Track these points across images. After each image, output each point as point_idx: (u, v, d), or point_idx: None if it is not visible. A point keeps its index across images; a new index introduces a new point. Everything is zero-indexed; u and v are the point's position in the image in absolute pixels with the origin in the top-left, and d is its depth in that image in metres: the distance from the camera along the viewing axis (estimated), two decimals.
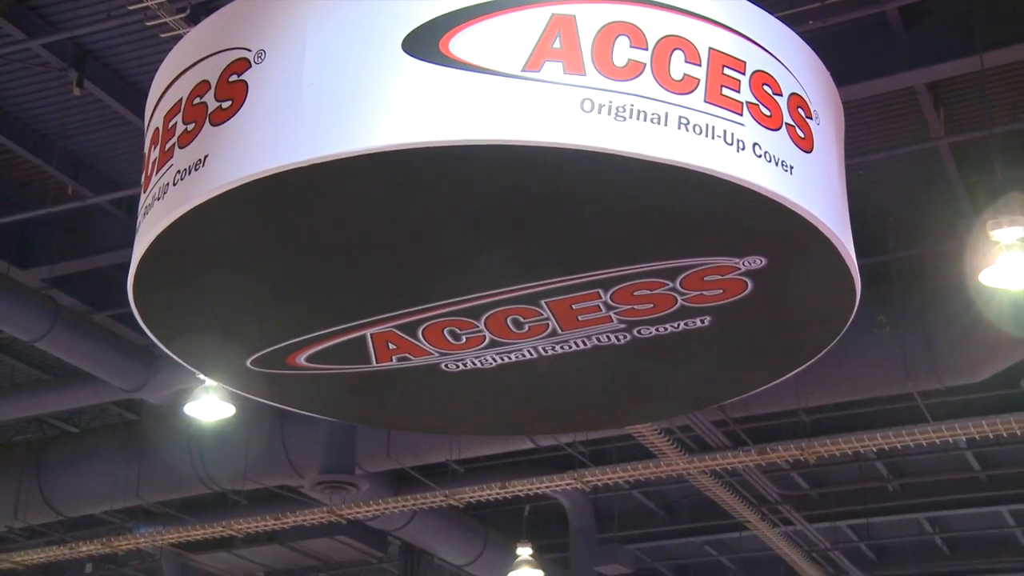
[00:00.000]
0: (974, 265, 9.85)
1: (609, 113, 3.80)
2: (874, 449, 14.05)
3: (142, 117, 4.78)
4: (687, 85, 3.94)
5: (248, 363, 5.33)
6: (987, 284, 9.78)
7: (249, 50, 4.06)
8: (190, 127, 4.19)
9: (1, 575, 18.23)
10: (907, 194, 10.92)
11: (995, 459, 16.76)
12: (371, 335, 5.09)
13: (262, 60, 4.02)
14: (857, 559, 19.16)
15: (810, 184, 4.21)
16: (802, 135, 4.25)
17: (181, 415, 12.97)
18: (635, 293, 4.72)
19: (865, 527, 18.54)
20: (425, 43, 3.83)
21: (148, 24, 7.99)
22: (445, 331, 5.03)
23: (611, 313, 4.87)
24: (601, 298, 4.76)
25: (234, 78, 4.08)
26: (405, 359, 5.27)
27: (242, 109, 4.03)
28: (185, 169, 4.16)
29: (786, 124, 4.19)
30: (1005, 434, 13.04)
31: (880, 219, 10.92)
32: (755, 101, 4.10)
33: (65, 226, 11.79)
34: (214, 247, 4.52)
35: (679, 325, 4.95)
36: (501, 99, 3.77)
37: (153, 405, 13.48)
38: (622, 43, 3.86)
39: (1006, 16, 9.28)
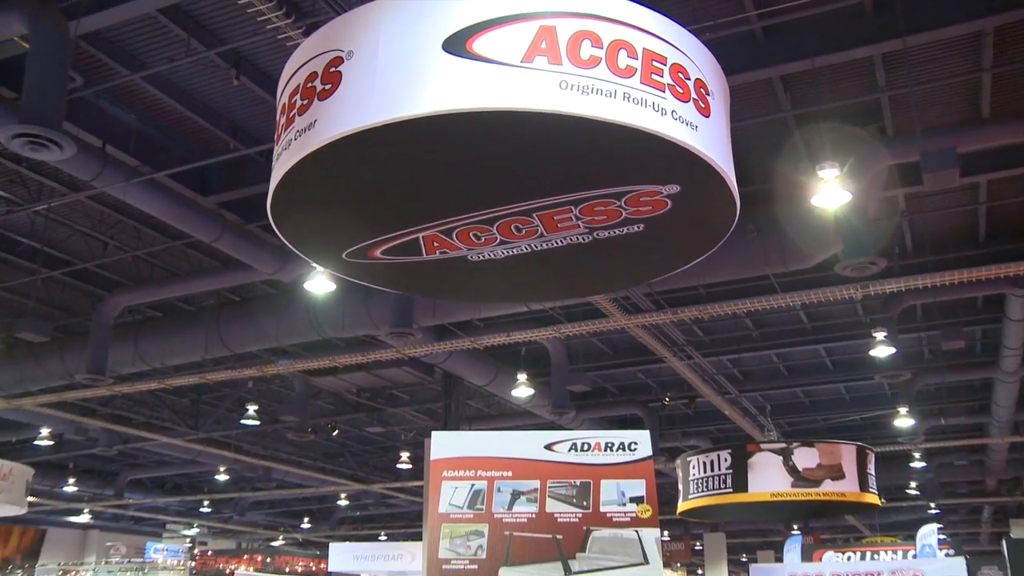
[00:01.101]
0: (810, 192, 9.94)
1: (577, 90, 3.91)
2: (744, 311, 14.21)
3: (276, 96, 4.84)
4: (629, 72, 4.04)
5: (344, 255, 5.39)
6: (816, 204, 9.88)
7: (342, 51, 4.16)
8: (305, 102, 4.30)
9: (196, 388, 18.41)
10: (768, 146, 10.92)
11: (817, 315, 16.87)
12: (422, 237, 5.16)
13: (351, 57, 4.12)
14: (732, 380, 19.29)
15: (708, 138, 4.30)
16: (703, 105, 4.33)
17: (302, 289, 13.13)
18: (595, 208, 4.79)
19: (737, 360, 18.68)
20: (457, 44, 3.93)
21: (279, 37, 8.05)
22: (471, 234, 5.10)
23: (579, 222, 4.94)
24: (572, 212, 4.83)
25: (333, 69, 4.20)
26: (444, 253, 5.32)
27: (338, 90, 4.15)
28: (302, 129, 4.27)
29: (693, 98, 4.27)
30: (823, 300, 13.24)
31: (751, 162, 10.93)
32: (673, 83, 4.19)
33: (228, 169, 11.81)
34: (320, 180, 4.60)
35: (623, 230, 5.02)
36: (506, 81, 3.90)
37: (285, 282, 13.54)
38: (586, 44, 3.97)
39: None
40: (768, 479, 14.22)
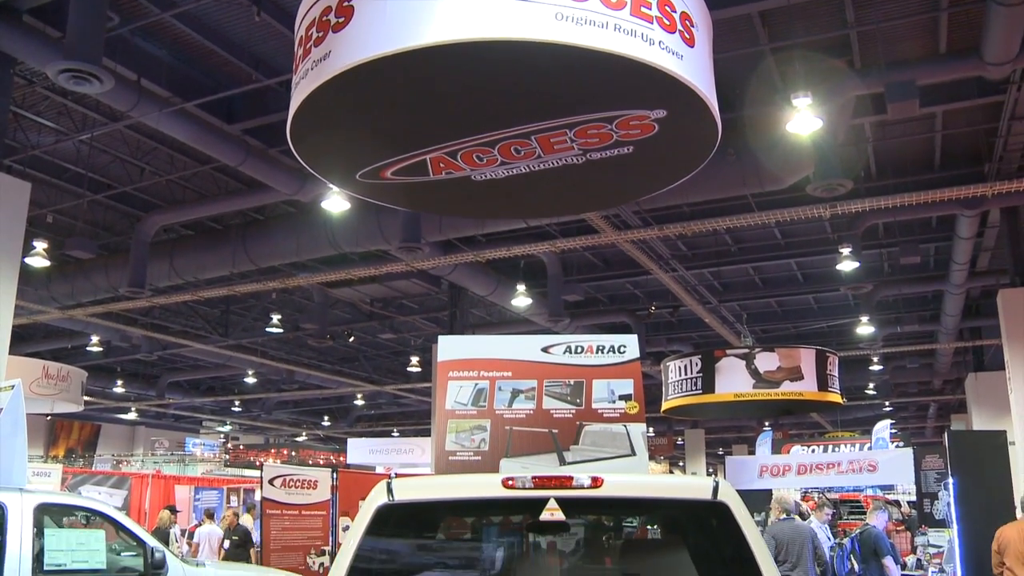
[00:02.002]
0: (784, 119, 9.83)
1: (572, 21, 3.85)
2: (723, 227, 14.17)
3: (294, 30, 4.73)
4: (620, 5, 3.98)
5: (357, 176, 5.37)
6: (790, 130, 9.77)
7: None
8: (320, 34, 4.23)
9: (226, 299, 18.49)
10: (747, 77, 10.76)
11: (789, 232, 16.84)
12: (429, 158, 5.12)
13: None
14: (712, 290, 19.34)
15: (693, 66, 4.23)
16: (688, 36, 4.25)
17: (320, 208, 13.06)
18: (588, 132, 4.75)
19: (717, 272, 18.70)
20: None
21: None
22: (474, 155, 5.06)
23: (573, 144, 4.90)
24: (567, 135, 4.79)
25: (346, 4, 4.17)
26: (449, 173, 5.29)
27: (350, 23, 4.09)
28: (318, 59, 4.20)
29: (679, 30, 4.20)
30: (795, 218, 13.19)
31: (731, 91, 10.79)
32: (660, 15, 4.12)
33: (251, 98, 11.64)
34: (335, 106, 4.54)
35: (614, 151, 4.98)
36: (506, 12, 3.86)
37: (304, 202, 13.47)
38: None
39: None
40: (733, 381, 14.38)
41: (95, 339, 22.84)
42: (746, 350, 14.68)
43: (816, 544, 9.49)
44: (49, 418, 32.68)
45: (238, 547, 14.04)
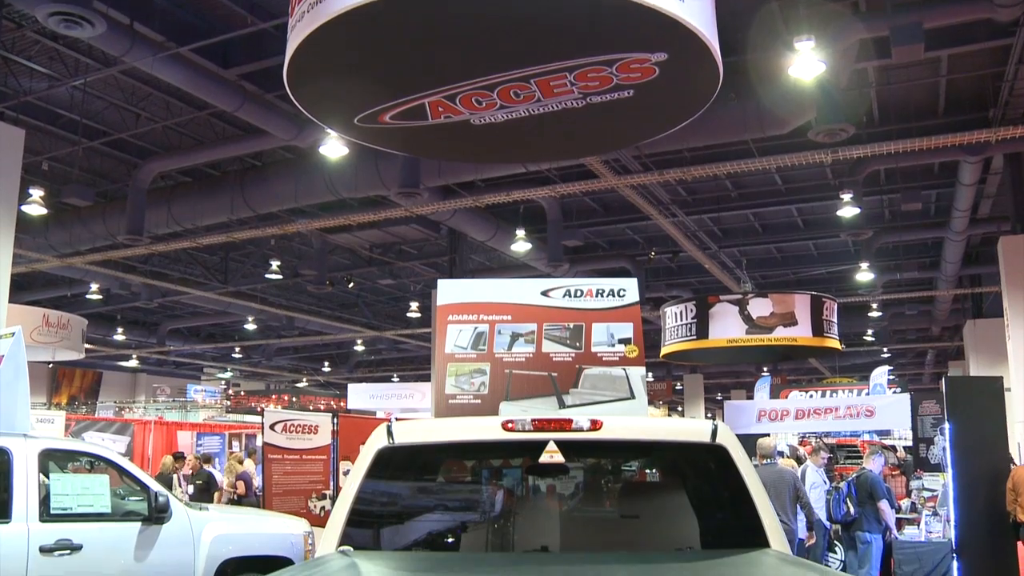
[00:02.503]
0: (787, 63, 9.72)
1: None
2: (724, 173, 14.09)
3: None
4: None
5: (355, 120, 5.32)
6: (792, 74, 9.68)
7: None
8: None
9: (225, 246, 18.44)
10: (750, 20, 10.60)
11: (790, 178, 16.75)
12: (427, 102, 5.07)
13: None
14: (711, 236, 19.32)
15: (695, 8, 4.16)
16: None
17: (318, 154, 12.97)
18: (588, 75, 4.69)
19: (717, 218, 18.64)
20: None
21: None
22: (473, 99, 5.00)
23: (573, 88, 4.84)
24: (567, 78, 4.73)
25: None
26: (448, 117, 5.24)
27: None
28: (314, 2, 4.13)
29: None
30: (796, 164, 13.12)
31: (733, 34, 10.66)
32: None
33: (247, 43, 11.50)
34: (333, 48, 4.48)
35: (614, 95, 4.93)
36: None
37: (302, 148, 13.39)
38: None
39: None
40: (726, 327, 14.42)
41: (94, 287, 22.87)
42: (739, 296, 14.70)
43: (798, 488, 9.62)
44: (51, 366, 32.87)
45: (202, 492, 14.14)
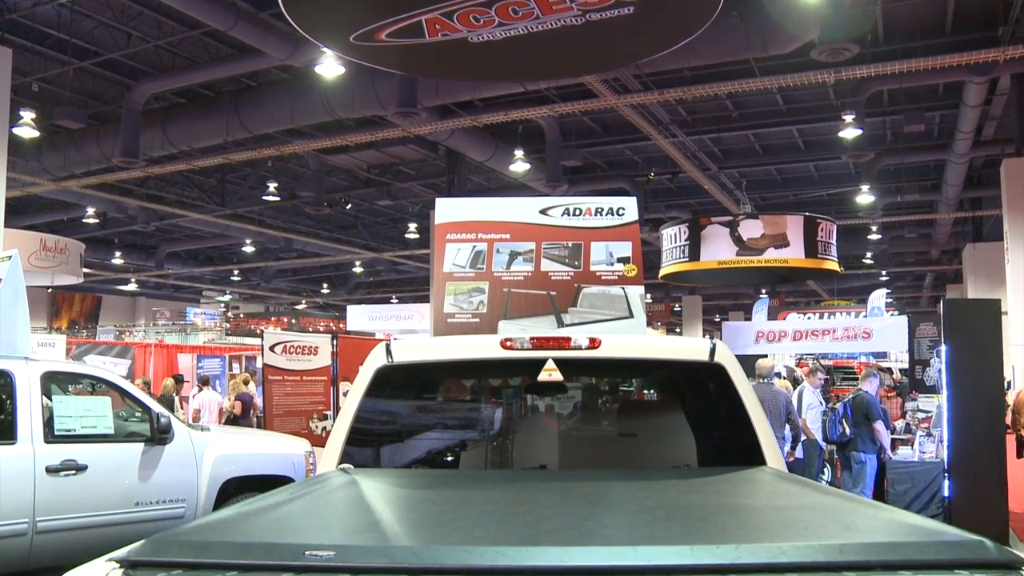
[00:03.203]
0: None
1: None
2: (725, 92, 13.92)
3: None
4: None
5: (351, 39, 5.24)
6: None
7: None
8: None
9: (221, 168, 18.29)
10: None
11: (792, 98, 16.54)
12: (424, 19, 5.00)
13: None
14: (711, 157, 19.16)
15: None
16: None
17: (314, 73, 12.79)
18: None
19: (717, 138, 18.47)
20: None
21: None
22: (471, 16, 4.93)
23: (572, 4, 4.77)
24: None
25: None
26: (446, 35, 5.17)
27: None
28: None
29: None
30: (798, 84, 12.94)
31: None
32: None
33: None
34: None
35: (614, 12, 4.85)
36: None
37: (298, 67, 13.19)
38: None
39: None
40: (716, 249, 14.45)
41: (91, 211, 22.79)
42: (730, 218, 14.67)
43: (790, 409, 9.92)
44: (50, 291, 32.97)
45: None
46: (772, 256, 14.25)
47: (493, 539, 1.94)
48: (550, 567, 1.68)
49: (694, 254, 14.55)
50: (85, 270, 22.70)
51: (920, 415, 12.23)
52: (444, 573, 1.67)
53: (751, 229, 14.31)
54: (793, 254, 14.28)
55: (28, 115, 13.25)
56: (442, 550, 1.79)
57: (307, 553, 1.73)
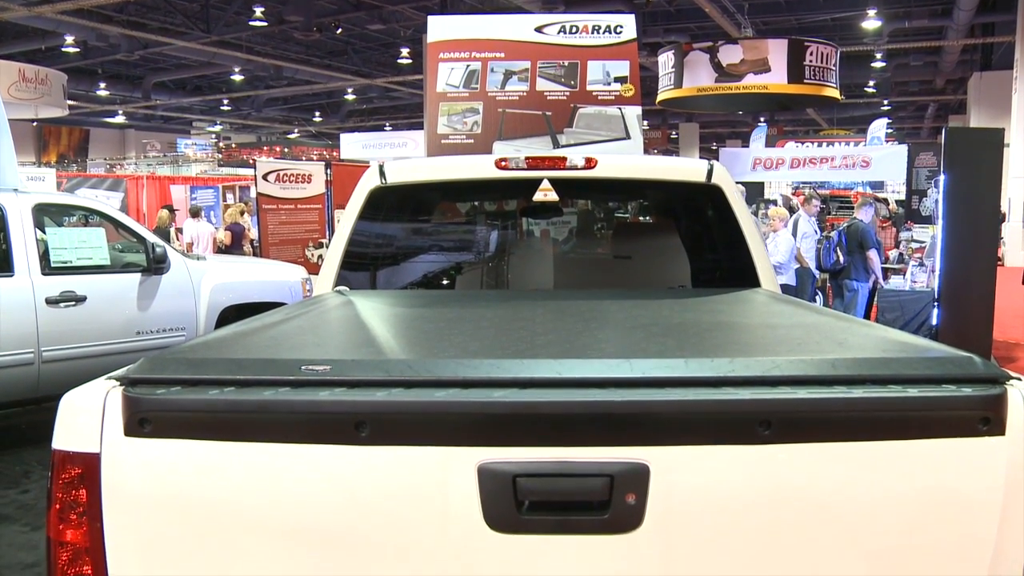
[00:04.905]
0: None
1: None
2: None
3: None
4: None
5: None
6: None
7: None
8: None
9: None
10: None
11: None
12: None
13: None
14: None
15: None
16: None
17: None
18: None
19: None
20: None
21: None
22: None
23: None
24: None
25: None
26: None
27: None
28: None
29: None
30: None
31: None
32: None
33: None
34: None
35: None
36: None
37: None
38: None
39: None
40: (697, 75, 14.21)
41: (69, 39, 22.04)
42: (710, 43, 14.33)
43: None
44: (35, 124, 32.44)
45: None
46: (751, 82, 13.96)
47: (489, 353, 1.97)
48: (545, 379, 1.70)
49: (678, 81, 14.31)
50: (70, 102, 22.21)
51: (914, 245, 12.31)
52: (439, 386, 1.70)
53: (730, 55, 13.99)
54: (774, 79, 13.97)
55: None
56: (438, 363, 1.81)
57: (303, 368, 1.75)
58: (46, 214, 7.15)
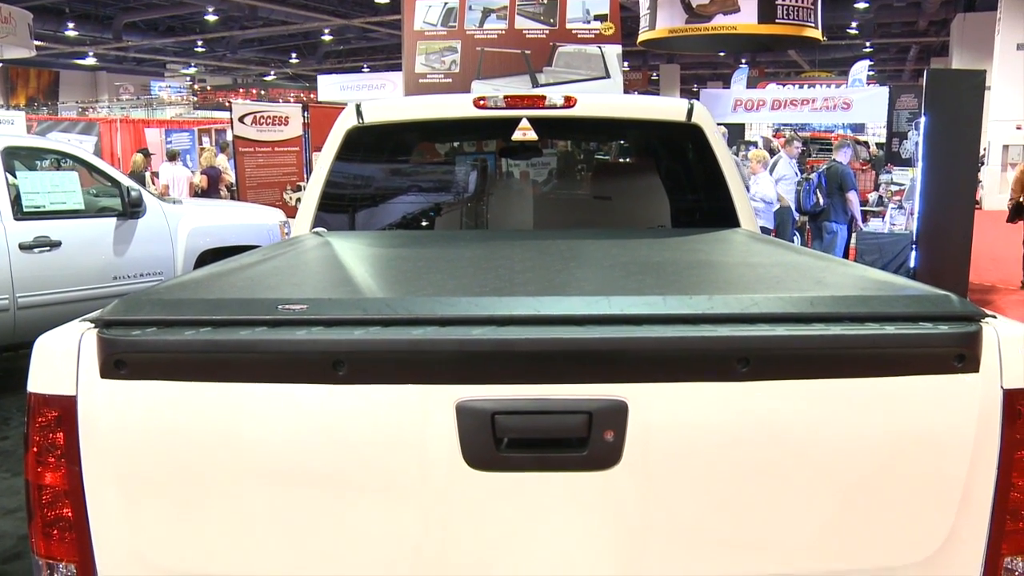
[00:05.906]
0: None
1: None
2: None
3: None
4: None
5: None
6: None
7: None
8: None
9: None
10: None
11: None
12: None
13: None
14: None
15: None
16: None
17: None
18: None
19: None
20: None
21: None
22: None
23: None
24: None
25: None
26: None
27: None
28: None
29: None
30: None
31: None
32: None
33: None
34: None
35: None
36: None
37: None
38: None
39: None
40: (671, 16, 14.03)
41: None
42: None
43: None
44: (1, 65, 31.74)
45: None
46: (720, 22, 13.75)
47: (467, 291, 1.95)
48: (524, 316, 1.69)
49: (652, 22, 14.15)
50: (37, 43, 21.66)
51: (893, 187, 12.33)
52: (417, 324, 1.68)
53: None
54: (743, 19, 13.74)
55: None
56: (415, 301, 1.80)
57: (280, 307, 1.73)
58: (16, 158, 7.03)
